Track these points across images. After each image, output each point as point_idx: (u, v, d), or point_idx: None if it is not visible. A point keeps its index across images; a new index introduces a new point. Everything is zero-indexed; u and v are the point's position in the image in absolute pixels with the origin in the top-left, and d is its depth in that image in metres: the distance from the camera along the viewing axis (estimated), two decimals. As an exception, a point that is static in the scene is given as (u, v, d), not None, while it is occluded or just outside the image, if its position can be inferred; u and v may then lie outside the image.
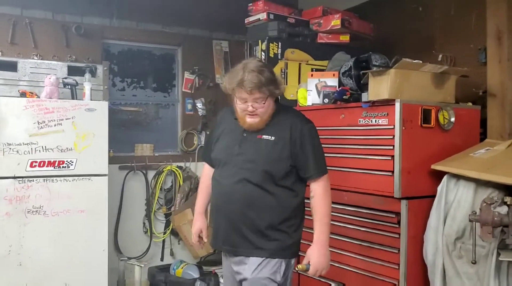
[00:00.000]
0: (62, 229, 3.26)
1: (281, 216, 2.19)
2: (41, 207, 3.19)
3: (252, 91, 2.12)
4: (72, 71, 3.80)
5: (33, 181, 3.17)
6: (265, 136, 2.21)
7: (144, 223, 4.40)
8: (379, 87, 2.69)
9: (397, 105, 2.63)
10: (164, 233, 4.45)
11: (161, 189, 4.43)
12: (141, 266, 3.94)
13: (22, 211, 3.13)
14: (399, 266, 2.65)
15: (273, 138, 2.21)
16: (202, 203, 2.51)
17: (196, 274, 4.00)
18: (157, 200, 4.41)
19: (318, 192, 2.22)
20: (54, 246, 3.23)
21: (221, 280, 3.74)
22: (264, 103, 2.17)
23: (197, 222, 2.50)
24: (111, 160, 3.63)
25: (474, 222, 2.28)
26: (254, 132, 2.24)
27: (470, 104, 3.02)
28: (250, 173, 2.18)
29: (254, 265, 2.17)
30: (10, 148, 3.11)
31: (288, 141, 2.20)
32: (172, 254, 4.51)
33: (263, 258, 2.17)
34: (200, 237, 2.50)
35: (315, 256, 2.18)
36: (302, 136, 2.21)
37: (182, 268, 4.14)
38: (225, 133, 2.35)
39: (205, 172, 2.53)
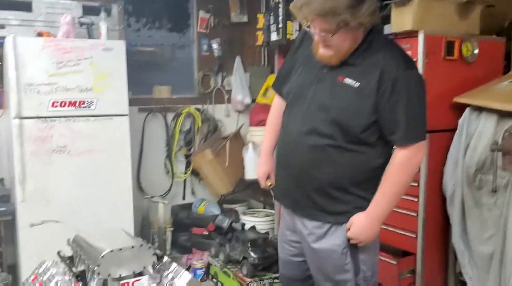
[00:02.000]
0: (87, 169, 3.33)
1: (354, 178, 1.84)
2: (65, 147, 3.25)
3: (313, 19, 1.67)
4: (86, 10, 3.76)
5: (55, 121, 3.22)
6: (348, 80, 1.76)
7: (165, 164, 4.49)
8: (402, 18, 2.62)
9: (420, 36, 2.57)
10: (185, 173, 4.54)
11: (180, 131, 4.47)
12: (164, 203, 4.06)
13: (46, 151, 3.20)
14: (418, 199, 2.69)
15: (357, 84, 1.75)
16: (269, 144, 2.18)
17: (217, 211, 4.11)
18: (177, 141, 4.46)
19: (398, 162, 1.78)
20: (79, 185, 3.32)
21: (243, 217, 3.85)
22: (333, 36, 1.68)
23: (263, 165, 2.19)
24: (131, 102, 3.65)
25: (495, 152, 2.28)
26: (335, 70, 1.80)
27: (494, 36, 2.95)
28: (321, 123, 1.80)
29: (320, 229, 1.92)
30: (31, 89, 3.13)
31: (374, 90, 1.72)
32: (193, 193, 4.62)
33: (330, 224, 1.90)
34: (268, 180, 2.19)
35: (359, 226, 1.84)
36: (395, 87, 1.69)
37: (204, 205, 4.25)
38: (303, 64, 1.94)
39: (274, 106, 2.16)
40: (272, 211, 4.06)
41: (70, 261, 2.24)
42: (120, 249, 2.04)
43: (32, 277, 2.27)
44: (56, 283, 2.03)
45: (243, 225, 3.51)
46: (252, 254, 3.23)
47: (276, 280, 3.24)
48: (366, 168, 1.84)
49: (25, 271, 3.09)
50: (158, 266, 2.20)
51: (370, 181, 1.85)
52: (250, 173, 4.11)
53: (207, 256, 3.70)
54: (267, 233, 3.60)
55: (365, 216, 1.84)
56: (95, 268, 1.99)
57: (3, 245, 3.46)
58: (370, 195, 1.85)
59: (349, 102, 1.77)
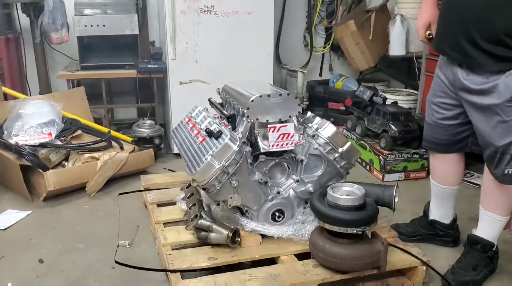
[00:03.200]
0: (232, 30, 3.37)
1: None
2: (212, 7, 3.29)
3: None
4: None
5: (203, -20, 3.24)
6: None
7: (304, 36, 4.39)
8: None
9: None
10: (324, 47, 4.41)
11: (322, 1, 4.27)
12: (304, 73, 4.03)
13: (195, 10, 3.27)
14: None
15: None
16: None
17: (355, 87, 3.99)
18: (318, 12, 4.29)
19: None
20: (224, 46, 3.40)
21: (381, 93, 3.67)
22: None
23: (424, 14, 2.04)
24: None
25: None
26: None
27: None
28: None
29: (487, 84, 1.77)
30: None
31: None
32: (331, 69, 4.51)
33: (499, 76, 1.74)
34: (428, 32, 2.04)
35: None
36: None
37: (342, 81, 4.15)
38: None
39: None
40: (416, 91, 3.82)
41: (220, 106, 2.34)
42: (269, 95, 2.06)
43: (186, 119, 2.43)
44: (209, 123, 2.13)
45: (385, 99, 3.37)
46: (393, 127, 3.12)
47: (415, 156, 3.13)
48: None
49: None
50: (302, 119, 2.21)
51: None
52: (396, 49, 3.84)
53: (342, 130, 3.67)
54: (409, 108, 3.43)
55: None
56: (245, 111, 2.06)
57: (156, 101, 3.77)
58: None
59: None
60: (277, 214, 2.15)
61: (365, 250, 1.87)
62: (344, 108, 3.94)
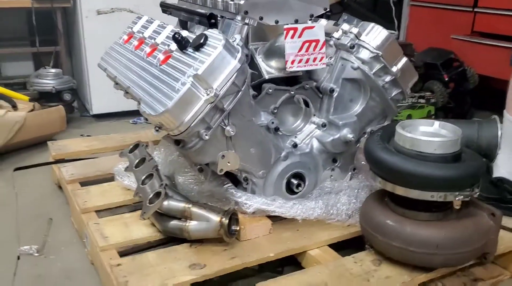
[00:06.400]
0: None
1: None
2: None
3: None
4: None
5: None
6: None
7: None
8: None
9: None
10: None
11: None
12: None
13: None
14: None
15: None
16: None
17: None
18: None
19: None
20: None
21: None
22: None
23: None
24: None
25: None
26: None
27: None
28: None
29: None
30: None
31: None
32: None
33: None
34: None
35: None
36: None
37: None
38: None
39: None
40: (392, 31, 3.13)
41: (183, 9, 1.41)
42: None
43: (125, 37, 1.47)
44: (173, 33, 1.20)
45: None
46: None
47: (420, 101, 2.43)
48: None
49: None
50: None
51: None
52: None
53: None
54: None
55: None
56: (240, 4, 1.17)
57: (62, 43, 2.69)
58: None
59: None
60: (294, 181, 1.30)
61: (470, 228, 1.10)
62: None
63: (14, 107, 2.14)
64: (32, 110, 2.15)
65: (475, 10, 2.56)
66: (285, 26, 1.17)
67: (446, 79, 2.44)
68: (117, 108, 2.52)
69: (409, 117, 2.43)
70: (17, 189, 1.73)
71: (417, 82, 2.43)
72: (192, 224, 1.20)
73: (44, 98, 2.38)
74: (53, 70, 2.44)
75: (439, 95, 2.43)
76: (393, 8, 3.12)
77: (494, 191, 1.62)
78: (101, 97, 2.47)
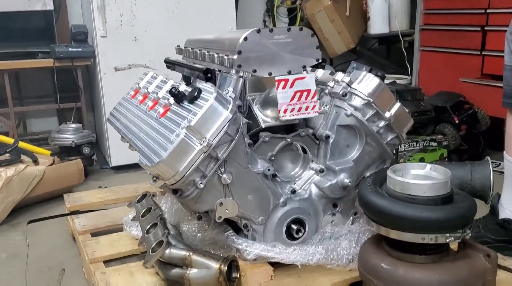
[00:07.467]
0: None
1: None
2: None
3: None
4: None
5: None
6: None
7: (264, 22, 3.65)
8: None
9: None
10: (288, 33, 3.69)
11: (282, -22, 3.58)
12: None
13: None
14: None
15: None
16: None
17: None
18: (279, -9, 3.59)
19: None
20: (173, 18, 2.57)
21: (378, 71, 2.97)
22: None
23: None
24: None
25: None
26: None
27: None
28: None
29: None
30: None
31: None
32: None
33: None
34: None
35: None
36: None
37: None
38: None
39: None
40: (404, 76, 3.17)
41: (186, 65, 1.49)
42: (271, 31, 1.26)
43: (132, 93, 1.56)
44: (172, 87, 1.27)
45: (383, 76, 2.64)
46: (402, 107, 2.40)
47: (432, 144, 2.43)
48: None
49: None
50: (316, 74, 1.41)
51: None
52: (377, 27, 3.24)
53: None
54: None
55: None
56: (234, 58, 1.24)
57: (83, 99, 2.83)
58: None
59: None
60: (294, 227, 1.32)
61: (465, 270, 1.09)
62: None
63: (35, 161, 2.24)
64: (51, 164, 2.25)
65: (483, 53, 2.59)
66: (277, 78, 1.22)
67: (457, 121, 2.45)
68: (135, 160, 2.59)
69: (422, 160, 2.43)
70: (31, 241, 1.79)
71: (428, 126, 2.48)
72: (192, 272, 1.23)
73: (64, 152, 2.49)
74: (73, 125, 2.55)
75: (451, 138, 2.43)
76: (405, 54, 3.18)
77: (502, 233, 1.60)
78: (120, 149, 2.55)
